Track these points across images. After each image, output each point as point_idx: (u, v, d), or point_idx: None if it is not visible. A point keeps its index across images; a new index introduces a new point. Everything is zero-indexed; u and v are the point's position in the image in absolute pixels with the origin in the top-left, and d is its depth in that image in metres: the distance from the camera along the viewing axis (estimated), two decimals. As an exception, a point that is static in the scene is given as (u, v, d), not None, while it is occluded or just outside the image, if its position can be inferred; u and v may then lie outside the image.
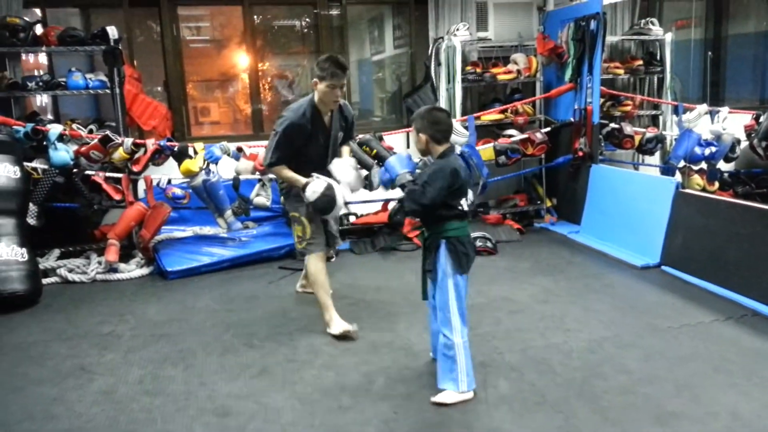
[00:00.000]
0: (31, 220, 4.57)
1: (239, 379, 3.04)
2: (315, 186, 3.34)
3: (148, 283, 4.68)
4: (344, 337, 3.45)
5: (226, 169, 4.98)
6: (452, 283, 2.78)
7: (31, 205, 4.58)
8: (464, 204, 2.77)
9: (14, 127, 4.70)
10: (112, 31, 5.06)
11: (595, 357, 3.14)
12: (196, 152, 4.86)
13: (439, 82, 5.98)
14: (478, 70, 5.87)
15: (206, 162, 4.80)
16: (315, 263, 3.60)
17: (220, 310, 4.04)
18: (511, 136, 5.67)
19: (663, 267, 4.51)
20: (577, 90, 5.69)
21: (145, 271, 4.82)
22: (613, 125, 5.81)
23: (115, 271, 4.74)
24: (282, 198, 3.79)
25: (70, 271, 4.70)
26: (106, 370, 3.20)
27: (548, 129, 5.82)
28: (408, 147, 6.08)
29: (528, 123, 5.97)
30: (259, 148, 5.06)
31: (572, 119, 5.73)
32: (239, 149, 5.04)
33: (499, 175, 5.81)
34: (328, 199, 3.36)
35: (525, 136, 5.63)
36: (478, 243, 5.07)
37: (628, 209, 4.99)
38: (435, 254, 2.78)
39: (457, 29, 5.78)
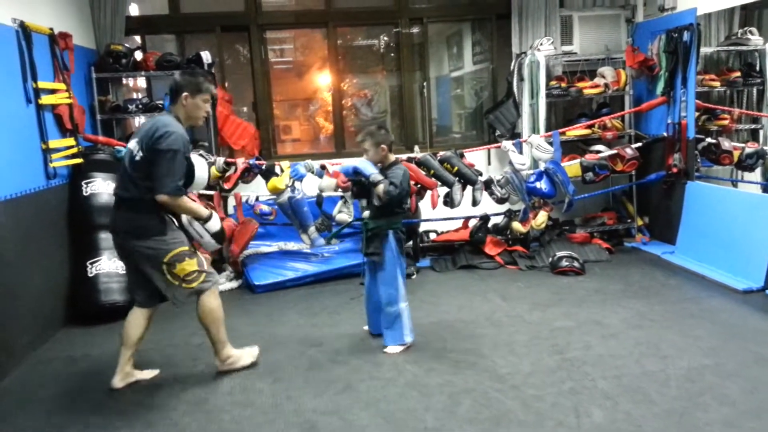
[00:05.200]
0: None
1: (324, 395, 3.07)
2: (216, 217, 3.23)
3: (237, 296, 4.85)
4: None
5: (310, 187, 5.10)
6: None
7: (130, 220, 4.83)
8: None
9: (116, 147, 5.01)
10: (206, 56, 5.34)
11: (695, 386, 2.96)
12: (282, 170, 5.00)
13: (522, 98, 5.88)
14: (563, 84, 5.74)
15: (292, 179, 4.93)
16: (216, 298, 3.25)
17: (304, 324, 4.11)
18: (598, 151, 5.48)
19: (767, 291, 4.21)
20: (670, 103, 5.44)
21: (234, 284, 5.01)
22: (709, 140, 5.48)
23: (206, 284, 4.92)
24: (148, 240, 3.03)
25: (165, 283, 4.93)
26: (198, 380, 3.32)
27: (639, 144, 5.59)
28: (489, 164, 6.02)
29: (617, 138, 5.76)
30: (341, 166, 5.15)
31: (665, 134, 5.48)
32: (323, 167, 5.14)
33: (586, 192, 5.62)
34: (222, 231, 3.30)
35: (614, 151, 5.43)
36: (564, 263, 4.92)
37: (727, 229, 4.70)
38: (383, 241, 3.50)
39: (541, 43, 5.68)
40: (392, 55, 6.49)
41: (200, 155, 3.42)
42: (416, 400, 2.96)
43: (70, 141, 4.52)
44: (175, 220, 3.14)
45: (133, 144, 3.02)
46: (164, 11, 5.87)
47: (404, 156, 5.24)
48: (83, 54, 5.07)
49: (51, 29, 4.35)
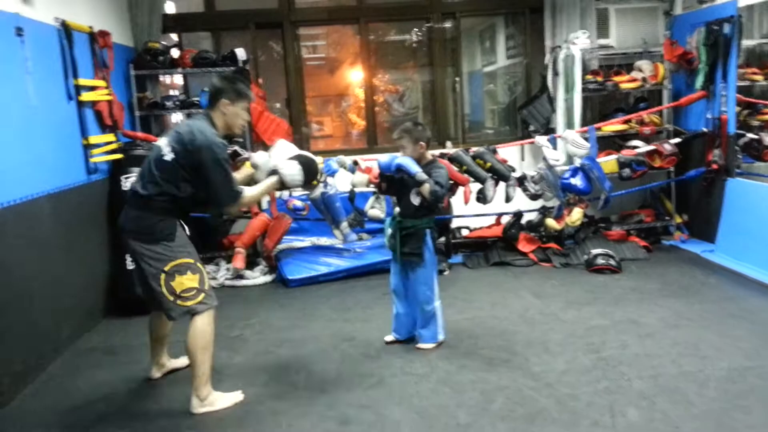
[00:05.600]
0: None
1: (358, 389, 3.09)
2: (290, 168, 3.06)
3: (271, 289, 4.92)
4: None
5: (342, 182, 5.12)
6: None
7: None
8: None
9: (154, 142, 5.11)
10: (241, 53, 5.40)
11: (735, 388, 2.89)
12: (314, 166, 5.03)
13: (557, 92, 5.81)
14: (599, 78, 5.64)
15: (324, 175, 4.95)
16: (209, 321, 2.94)
17: (337, 319, 4.14)
18: (636, 147, 5.38)
19: (813, 291, 4.08)
20: (710, 98, 5.31)
21: (268, 278, 5.08)
22: (751, 135, 5.33)
23: (242, 277, 5.03)
24: (154, 244, 2.86)
25: (201, 276, 5.03)
26: (235, 371, 3.38)
27: (678, 140, 5.46)
28: (523, 160, 5.96)
29: (655, 133, 5.64)
30: (374, 161, 5.16)
31: (705, 129, 5.35)
32: (355, 162, 5.15)
33: (623, 188, 5.52)
34: (309, 164, 3.12)
35: (652, 147, 5.32)
36: (600, 260, 4.84)
37: (770, 227, 4.56)
38: (421, 240, 3.42)
39: (576, 37, 5.59)
40: (424, 50, 6.47)
41: (307, 157, 3.18)
42: (448, 397, 2.96)
43: (110, 137, 4.63)
44: (187, 228, 3.04)
45: (163, 143, 2.88)
46: (200, 9, 5.95)
47: (437, 152, 5.21)
48: (122, 52, 5.18)
49: (91, 28, 4.45)
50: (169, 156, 2.83)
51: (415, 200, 3.37)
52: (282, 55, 6.12)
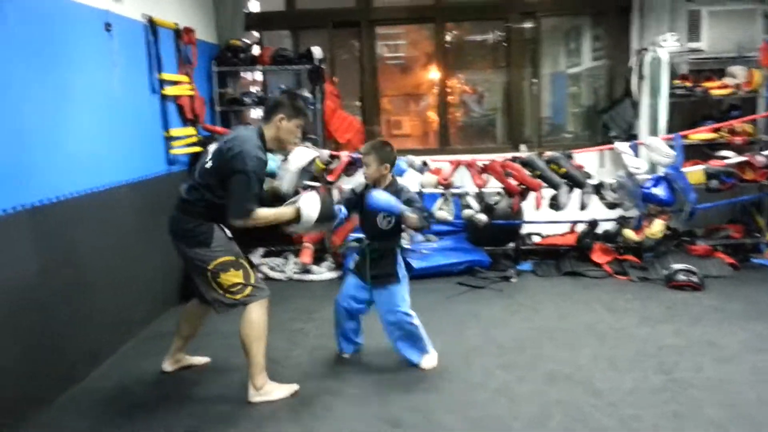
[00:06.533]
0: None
1: (411, 393, 3.06)
2: (309, 202, 2.97)
3: (336, 286, 4.88)
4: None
5: (411, 183, 5.08)
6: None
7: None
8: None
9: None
10: (317, 51, 5.50)
11: (824, 424, 2.64)
12: (384, 165, 5.02)
13: (641, 97, 5.53)
14: (688, 83, 5.33)
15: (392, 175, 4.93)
16: (261, 311, 2.99)
17: (398, 320, 4.11)
18: (725, 157, 5.03)
19: None
20: (812, 108, 4.89)
21: (333, 274, 5.13)
22: None
23: (308, 272, 5.11)
24: (193, 248, 2.95)
25: (272, 268, 5.19)
26: (294, 364, 3.44)
27: (773, 152, 5.07)
28: (602, 166, 5.71)
29: (747, 144, 5.26)
30: (444, 163, 5.10)
31: (804, 141, 4.94)
32: (424, 163, 5.11)
33: (710, 201, 5.17)
34: (329, 205, 3.04)
35: (743, 158, 4.95)
36: (681, 276, 4.55)
37: None
38: (393, 261, 3.28)
39: (665, 39, 5.31)
40: (503, 51, 6.34)
41: (324, 190, 3.10)
42: (505, 408, 2.87)
43: (191, 130, 4.81)
44: (227, 230, 3.02)
45: (211, 149, 2.99)
46: (281, 8, 6.10)
47: (509, 155, 5.09)
48: (205, 48, 5.36)
49: (176, 24, 4.64)
50: (209, 163, 2.92)
51: (384, 225, 3.22)
52: (359, 53, 6.17)
